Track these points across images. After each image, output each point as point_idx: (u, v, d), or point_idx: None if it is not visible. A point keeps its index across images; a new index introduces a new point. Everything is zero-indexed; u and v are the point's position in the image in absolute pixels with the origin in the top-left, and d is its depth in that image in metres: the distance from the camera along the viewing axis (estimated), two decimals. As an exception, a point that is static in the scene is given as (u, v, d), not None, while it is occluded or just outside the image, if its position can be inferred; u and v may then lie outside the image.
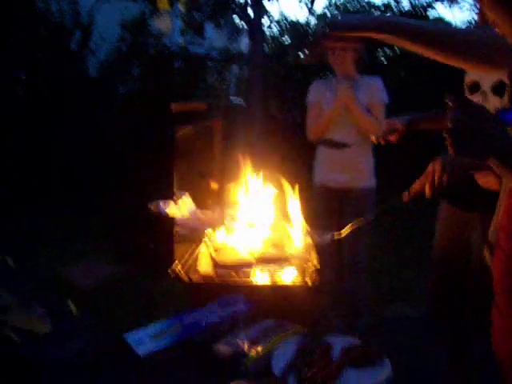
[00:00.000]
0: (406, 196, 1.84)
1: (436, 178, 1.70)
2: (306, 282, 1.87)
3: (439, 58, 1.45)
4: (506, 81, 2.16)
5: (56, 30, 7.68)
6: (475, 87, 2.30)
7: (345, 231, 2.07)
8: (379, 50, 9.94)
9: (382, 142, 2.55)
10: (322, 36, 1.48)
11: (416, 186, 1.79)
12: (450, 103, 1.11)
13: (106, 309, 2.75)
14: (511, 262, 1.22)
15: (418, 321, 2.66)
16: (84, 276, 3.92)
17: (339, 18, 1.52)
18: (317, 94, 3.52)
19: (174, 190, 1.83)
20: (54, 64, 7.36)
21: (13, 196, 5.99)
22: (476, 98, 2.26)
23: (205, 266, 1.92)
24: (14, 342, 1.42)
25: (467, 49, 1.41)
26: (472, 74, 2.28)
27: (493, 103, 2.19)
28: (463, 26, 9.81)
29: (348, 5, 11.73)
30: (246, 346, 1.48)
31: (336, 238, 2.09)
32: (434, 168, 1.72)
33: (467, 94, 2.32)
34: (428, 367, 2.31)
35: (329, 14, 12.23)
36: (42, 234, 5.17)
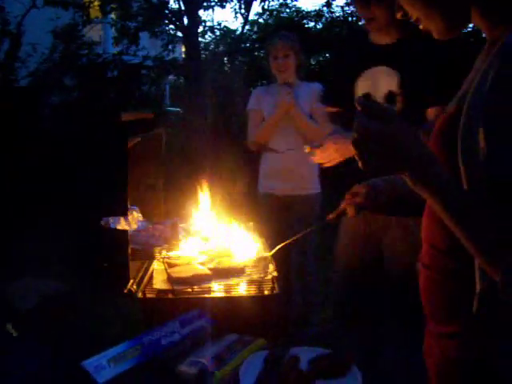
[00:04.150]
0: (329, 217, 1.86)
1: (358, 201, 1.71)
2: (263, 293, 1.84)
3: None
4: (396, 91, 2.22)
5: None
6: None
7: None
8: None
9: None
10: None
11: (340, 208, 1.80)
12: (358, 107, 1.00)
13: (53, 330, 2.60)
14: (433, 276, 1.17)
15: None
16: (25, 294, 3.72)
17: None
18: (258, 101, 3.51)
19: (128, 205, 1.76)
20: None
21: None
22: None
23: (160, 283, 1.85)
24: None
25: None
26: (363, 86, 2.31)
27: None
28: None
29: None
30: (211, 365, 1.43)
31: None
32: (358, 191, 1.72)
33: None
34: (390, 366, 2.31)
35: (261, 21, 12.32)
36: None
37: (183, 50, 11.30)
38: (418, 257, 1.92)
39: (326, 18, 11.15)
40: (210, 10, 11.12)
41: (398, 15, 1.18)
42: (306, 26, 11.26)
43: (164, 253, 2.10)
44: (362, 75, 2.31)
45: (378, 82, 2.27)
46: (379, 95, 2.25)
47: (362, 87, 2.32)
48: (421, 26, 1.14)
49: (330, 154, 2.30)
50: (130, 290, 1.79)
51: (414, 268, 1.46)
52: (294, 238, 2.00)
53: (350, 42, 2.67)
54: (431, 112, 2.23)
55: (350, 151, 2.22)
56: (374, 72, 2.29)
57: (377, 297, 2.42)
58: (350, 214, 1.74)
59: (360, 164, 1.01)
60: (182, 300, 1.77)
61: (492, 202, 0.95)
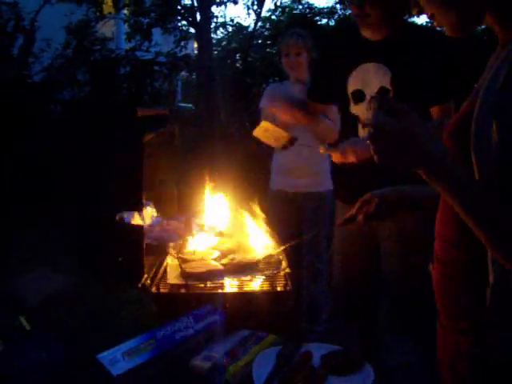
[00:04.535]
0: (339, 223, 1.86)
1: (371, 210, 1.68)
2: (276, 289, 1.85)
3: None
4: (389, 87, 2.20)
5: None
6: (360, 96, 2.29)
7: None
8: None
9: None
10: None
11: (351, 213, 1.77)
12: (374, 104, 1.03)
13: (66, 324, 2.63)
14: (446, 270, 1.18)
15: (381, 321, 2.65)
16: (36, 287, 3.74)
17: None
18: (270, 98, 3.49)
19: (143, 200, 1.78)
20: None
21: None
22: (362, 107, 2.27)
23: (174, 278, 1.86)
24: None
25: None
26: (355, 82, 2.29)
27: None
28: None
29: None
30: (223, 360, 1.44)
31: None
32: (370, 200, 1.70)
33: (352, 104, 2.32)
34: (402, 365, 2.31)
35: (274, 17, 12.29)
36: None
37: (195, 46, 11.30)
38: (413, 249, 1.91)
39: (339, 15, 11.10)
40: (223, 6, 11.12)
41: (414, 11, 1.18)
42: (319, 22, 11.22)
43: (178, 248, 2.11)
44: (353, 71, 2.29)
45: (370, 79, 2.25)
46: (371, 91, 2.24)
47: (353, 83, 2.30)
48: (435, 23, 1.15)
49: (347, 157, 2.30)
50: (143, 285, 1.81)
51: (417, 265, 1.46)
52: (306, 237, 2.01)
53: (341, 37, 2.64)
54: (435, 111, 2.21)
55: (365, 155, 2.22)
56: (365, 68, 2.26)
57: (375, 294, 2.43)
58: (359, 222, 1.73)
59: (376, 159, 1.03)
60: (196, 295, 1.78)
61: (504, 192, 0.96)
